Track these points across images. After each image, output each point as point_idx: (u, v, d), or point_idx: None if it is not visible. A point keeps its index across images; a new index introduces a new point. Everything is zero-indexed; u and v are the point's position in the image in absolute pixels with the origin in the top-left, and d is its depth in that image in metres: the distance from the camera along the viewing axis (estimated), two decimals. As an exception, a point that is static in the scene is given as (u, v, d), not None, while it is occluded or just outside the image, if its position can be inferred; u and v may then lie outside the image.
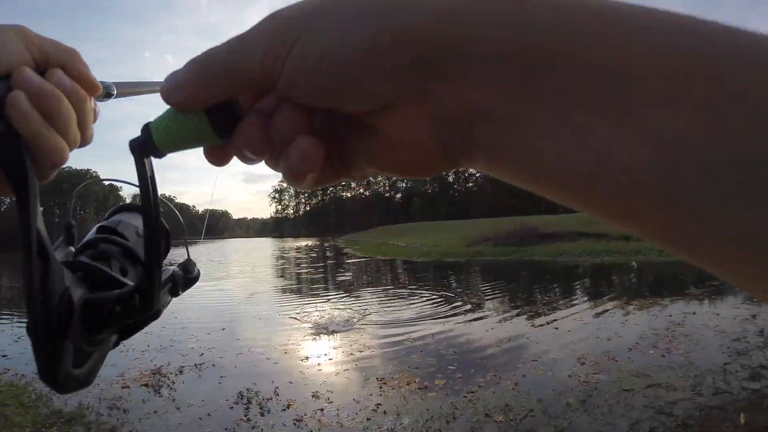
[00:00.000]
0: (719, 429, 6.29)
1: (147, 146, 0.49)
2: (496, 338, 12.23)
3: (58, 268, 0.56)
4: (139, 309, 0.58)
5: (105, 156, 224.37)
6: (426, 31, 0.38)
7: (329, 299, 20.89)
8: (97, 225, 0.80)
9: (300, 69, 0.41)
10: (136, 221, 0.81)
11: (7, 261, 49.59)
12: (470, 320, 14.55)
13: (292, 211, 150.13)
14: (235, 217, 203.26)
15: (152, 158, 0.52)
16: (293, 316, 17.07)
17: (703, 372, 8.41)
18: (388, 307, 18.00)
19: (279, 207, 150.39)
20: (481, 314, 15.33)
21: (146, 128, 0.49)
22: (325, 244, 77.94)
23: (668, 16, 0.33)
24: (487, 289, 20.92)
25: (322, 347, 12.78)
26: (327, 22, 0.40)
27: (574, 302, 15.92)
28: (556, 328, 12.66)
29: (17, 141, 0.53)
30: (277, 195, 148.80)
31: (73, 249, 0.76)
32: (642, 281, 20.21)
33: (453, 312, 16.01)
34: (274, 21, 0.42)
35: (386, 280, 29.17)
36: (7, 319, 16.92)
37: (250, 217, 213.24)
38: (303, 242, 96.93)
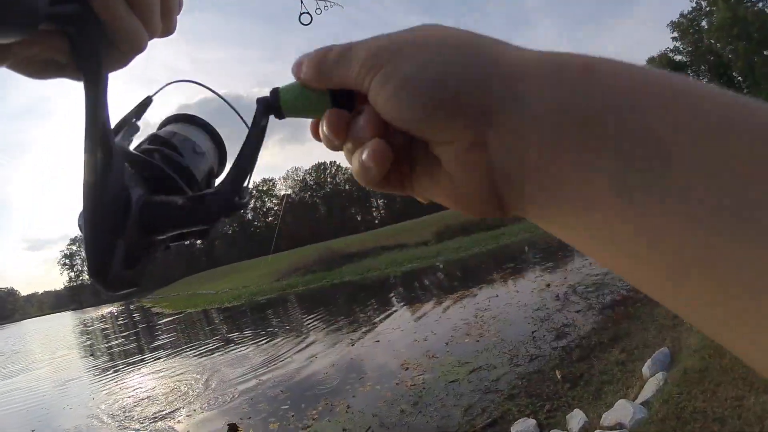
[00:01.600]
0: (542, 390, 6.61)
1: (273, 106, 0.56)
2: (321, 366, 11.97)
3: (119, 165, 0.54)
4: (199, 219, 0.58)
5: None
6: (489, 83, 0.41)
7: (147, 368, 19.26)
8: (150, 134, 0.70)
9: (381, 88, 0.46)
10: (194, 136, 0.72)
11: None
12: (294, 354, 14.09)
13: (88, 277, 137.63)
14: (23, 293, 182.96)
15: (271, 117, 0.58)
16: (109, 398, 15.34)
17: (516, 345, 8.90)
18: (208, 361, 17.00)
19: (72, 274, 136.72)
20: (303, 345, 14.94)
21: (275, 92, 0.55)
22: (131, 307, 72.70)
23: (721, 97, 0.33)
24: (304, 320, 20.64)
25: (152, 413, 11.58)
26: (412, 54, 0.45)
27: (389, 313, 16.18)
28: (377, 341, 12.74)
29: (96, 25, 0.49)
30: (67, 260, 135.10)
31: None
32: (448, 278, 21.22)
33: (276, 351, 15.47)
34: (374, 42, 0.48)
35: (202, 333, 27.73)
36: None
37: (41, 290, 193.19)
38: (106, 309, 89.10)
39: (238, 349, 16.92)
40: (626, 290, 9.95)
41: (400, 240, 37.57)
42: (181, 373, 15.64)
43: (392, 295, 21.56)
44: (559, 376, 6.77)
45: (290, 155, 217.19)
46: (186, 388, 13.06)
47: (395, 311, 16.28)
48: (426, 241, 33.96)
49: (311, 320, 19.75)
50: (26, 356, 35.82)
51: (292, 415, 9.07)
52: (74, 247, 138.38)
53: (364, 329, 14.73)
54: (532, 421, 5.65)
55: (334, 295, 26.29)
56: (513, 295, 12.81)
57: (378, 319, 15.74)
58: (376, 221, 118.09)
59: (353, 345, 13.08)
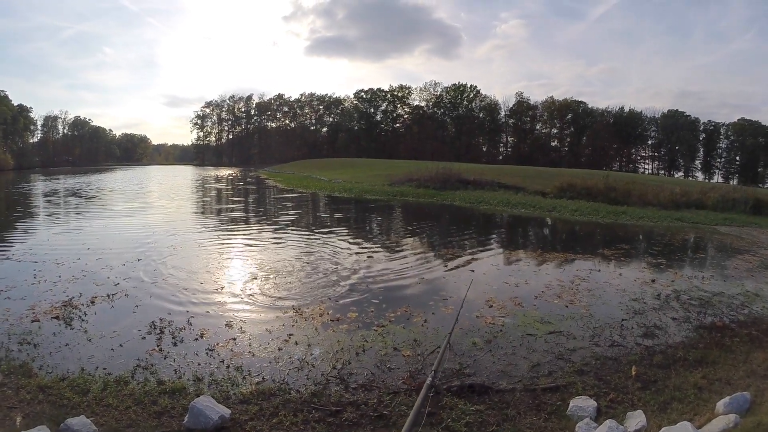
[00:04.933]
0: (612, 378, 6.64)
1: None
2: (411, 276, 12.49)
3: None
4: None
5: (15, 72, 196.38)
6: None
7: (247, 229, 20.97)
8: None
9: None
10: None
11: None
12: (387, 257, 14.75)
13: (214, 139, 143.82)
14: (154, 142, 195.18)
15: None
16: (211, 246, 16.88)
17: (602, 325, 8.85)
18: (307, 239, 18.06)
19: (201, 134, 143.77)
20: (399, 252, 15.59)
21: None
22: (248, 175, 76.73)
23: None
24: (406, 229, 21.28)
25: (241, 277, 12.69)
26: None
27: (488, 248, 16.38)
28: (472, 270, 13.02)
29: None
30: (199, 121, 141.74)
31: None
32: (554, 236, 20.93)
33: (371, 248, 16.21)
34: None
35: (308, 212, 29.18)
36: None
37: (170, 143, 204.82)
38: (225, 171, 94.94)
39: (335, 239, 17.87)
40: (731, 320, 9.54)
41: (519, 183, 36.90)
42: (280, 246, 16.79)
43: (495, 232, 21.72)
44: (633, 373, 6.74)
45: (433, 68, 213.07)
46: (280, 263, 14.02)
47: (495, 249, 16.46)
48: (545, 192, 33.20)
49: (413, 231, 20.28)
50: (147, 197, 39.43)
51: (372, 311, 9.62)
52: (207, 110, 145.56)
53: (461, 255, 15.03)
54: (593, 402, 5.74)
55: (441, 214, 26.60)
56: (614, 277, 12.55)
57: (476, 250, 16.00)
58: (500, 157, 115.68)
59: (447, 267, 13.46)
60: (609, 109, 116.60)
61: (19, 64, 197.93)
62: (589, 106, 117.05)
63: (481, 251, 15.77)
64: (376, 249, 16.07)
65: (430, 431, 5.36)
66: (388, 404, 5.93)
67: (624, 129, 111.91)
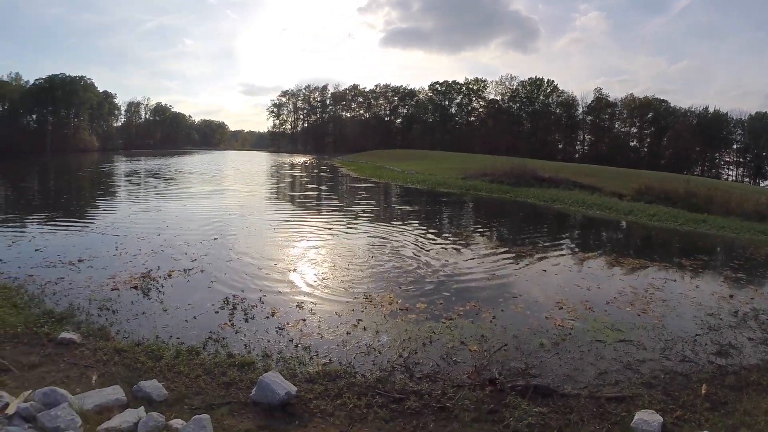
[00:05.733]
0: (680, 394, 6.50)
1: None
2: (481, 272, 12.53)
3: None
4: None
5: (99, 62, 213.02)
6: None
7: (320, 216, 21.50)
8: None
9: None
10: None
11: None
12: (458, 251, 14.84)
13: (289, 127, 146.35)
14: (231, 129, 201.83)
15: None
16: (284, 229, 17.42)
17: (674, 338, 8.62)
18: (380, 229, 18.36)
19: (277, 121, 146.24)
20: (470, 247, 15.63)
21: None
22: (322, 163, 77.90)
23: None
24: (478, 224, 21.25)
25: (313, 261, 13.05)
26: None
27: (561, 249, 16.20)
28: (544, 270, 12.97)
29: None
30: (275, 109, 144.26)
31: None
32: (629, 241, 20.42)
33: (443, 241, 16.31)
34: None
35: (381, 202, 29.56)
36: (3, 225, 16.93)
37: (246, 129, 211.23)
38: (299, 158, 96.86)
39: (408, 231, 18.05)
40: (814, 348, 9.05)
41: (595, 183, 35.96)
42: (353, 234, 17.18)
43: (568, 232, 21.39)
44: (703, 392, 6.53)
45: (509, 61, 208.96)
46: (352, 251, 14.33)
47: (567, 250, 16.25)
48: (622, 194, 32.18)
49: (484, 227, 20.22)
50: (222, 181, 40.98)
51: (441, 303, 9.76)
52: (284, 99, 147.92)
53: (532, 254, 14.93)
54: (659, 418, 5.60)
55: (514, 211, 26.36)
56: (691, 289, 12.14)
57: (548, 249, 15.86)
58: (576, 156, 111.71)
59: (518, 265, 13.42)
60: (692, 109, 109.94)
61: (104, 54, 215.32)
62: (671, 105, 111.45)
63: (553, 251, 15.61)
64: (448, 242, 16.17)
65: (491, 428, 5.43)
66: (452, 397, 6.04)
67: (707, 131, 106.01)
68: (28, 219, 18.04)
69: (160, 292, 9.91)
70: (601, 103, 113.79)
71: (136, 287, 10.14)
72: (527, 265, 13.50)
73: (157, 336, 7.70)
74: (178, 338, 7.66)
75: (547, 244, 16.93)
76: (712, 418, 5.92)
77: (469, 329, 8.43)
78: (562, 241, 18.03)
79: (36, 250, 12.89)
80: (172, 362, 6.74)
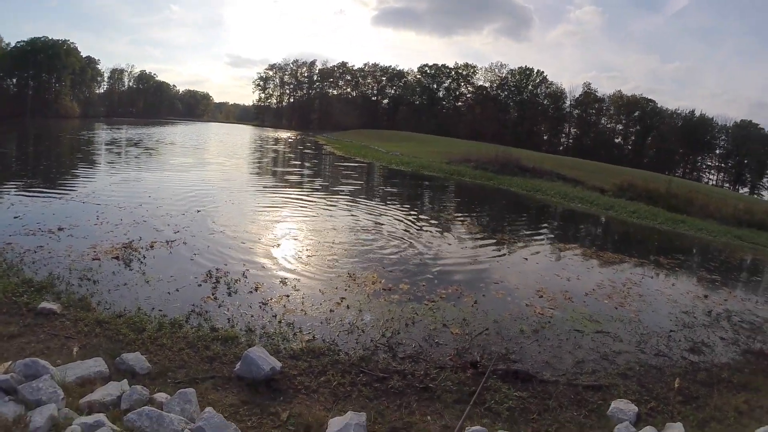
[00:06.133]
0: (654, 387, 6.68)
1: None
2: (463, 256, 12.66)
3: None
4: None
5: (83, 27, 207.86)
6: None
7: (304, 193, 21.41)
8: None
9: None
10: None
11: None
12: (441, 235, 14.95)
13: (275, 101, 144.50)
14: (216, 100, 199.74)
15: None
16: (268, 205, 17.36)
17: (649, 332, 8.82)
18: (364, 208, 18.41)
19: (262, 95, 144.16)
20: (453, 231, 15.75)
21: None
22: (307, 139, 77.37)
23: None
24: (461, 209, 21.32)
25: (296, 237, 13.05)
26: None
27: (542, 239, 16.42)
28: (525, 259, 13.15)
29: None
30: (261, 82, 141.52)
31: None
32: (609, 236, 20.68)
33: (426, 224, 16.39)
34: None
35: (366, 182, 29.53)
36: None
37: (231, 102, 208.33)
38: (284, 134, 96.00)
39: (392, 212, 18.21)
40: (781, 348, 9.25)
41: (578, 176, 36.26)
42: (337, 213, 17.32)
43: (550, 223, 21.52)
44: (676, 385, 6.72)
45: (500, 48, 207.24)
46: (336, 229, 14.42)
47: (548, 240, 16.46)
48: (604, 189, 32.47)
49: (467, 212, 20.34)
50: (205, 154, 40.80)
51: (424, 285, 9.85)
52: (270, 72, 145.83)
53: (514, 242, 15.12)
54: (634, 407, 5.79)
55: (497, 198, 26.55)
56: (667, 286, 12.34)
57: (530, 238, 16.06)
58: (560, 148, 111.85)
59: (500, 251, 13.59)
60: (679, 111, 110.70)
61: (87, 19, 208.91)
62: (659, 105, 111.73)
63: (534, 241, 15.82)
64: (431, 225, 16.26)
65: (472, 410, 5.54)
66: (435, 378, 6.15)
67: (692, 134, 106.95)
68: (5, 185, 17.68)
69: (141, 263, 9.81)
70: (589, 98, 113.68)
71: (117, 257, 10.00)
72: (508, 252, 13.66)
73: (139, 308, 7.64)
74: (160, 311, 7.62)
75: (529, 233, 17.16)
76: (684, 411, 6.14)
77: (451, 312, 8.52)
78: (542, 232, 18.26)
79: (15, 218, 12.58)
80: (154, 335, 6.72)
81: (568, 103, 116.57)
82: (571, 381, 6.50)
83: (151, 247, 10.96)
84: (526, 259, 13.07)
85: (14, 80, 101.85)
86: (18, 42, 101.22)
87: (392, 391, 5.81)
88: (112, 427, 4.25)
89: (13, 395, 4.68)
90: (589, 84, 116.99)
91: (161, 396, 5.02)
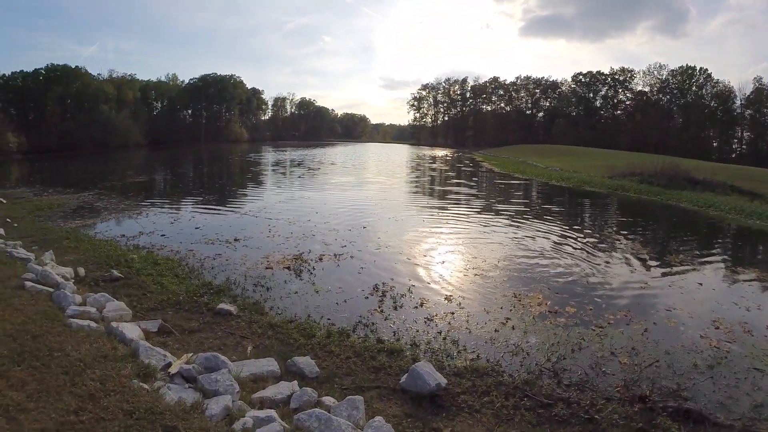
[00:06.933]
0: None
1: None
2: (632, 279, 12.17)
3: None
4: None
5: (247, 61, 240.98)
6: None
7: (466, 211, 21.81)
8: None
9: None
10: None
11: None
12: (608, 255, 14.49)
13: (430, 120, 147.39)
14: (372, 122, 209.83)
15: None
16: (431, 223, 17.80)
17: None
18: (528, 227, 18.35)
19: (417, 115, 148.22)
20: (620, 251, 15.16)
21: None
22: (463, 157, 78.19)
23: None
24: (628, 227, 20.22)
25: (460, 255, 13.26)
26: None
27: (718, 261, 15.08)
28: (700, 284, 12.18)
29: None
30: (416, 103, 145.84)
31: None
32: (794, 258, 18.73)
33: (590, 243, 15.95)
34: None
35: (527, 200, 29.21)
36: (165, 205, 18.83)
37: (387, 122, 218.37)
38: (440, 152, 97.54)
39: (556, 230, 17.99)
40: None
41: (757, 188, 32.98)
42: (502, 232, 17.17)
43: (725, 243, 19.55)
44: None
45: (657, 48, 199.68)
46: (501, 248, 14.37)
47: (725, 262, 15.10)
48: (787, 201, 29.38)
49: (634, 232, 19.15)
50: (365, 173, 43.01)
51: (591, 309, 9.65)
52: (424, 92, 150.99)
53: (686, 264, 14.21)
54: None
55: (665, 215, 24.96)
56: None
57: (703, 261, 14.89)
58: (733, 155, 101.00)
59: (671, 276, 12.80)
60: None
61: (250, 54, 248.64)
62: None
63: (709, 263, 14.59)
64: (596, 245, 15.82)
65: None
66: (601, 409, 5.97)
67: None
68: (186, 200, 19.80)
69: (311, 273, 10.60)
70: (762, 95, 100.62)
71: (288, 267, 10.93)
72: (680, 276, 12.80)
73: (308, 315, 8.27)
74: (329, 319, 8.19)
75: (702, 254, 15.88)
76: None
77: (620, 340, 8.24)
78: (717, 252, 16.74)
79: (196, 228, 14.19)
80: (323, 341, 7.21)
81: (738, 102, 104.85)
82: (747, 427, 5.94)
83: (320, 259, 11.74)
84: (701, 284, 12.11)
85: (190, 111, 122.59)
86: (191, 79, 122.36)
87: (556, 418, 5.75)
88: (281, 424, 4.68)
89: (193, 383, 5.35)
90: (761, 78, 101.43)
91: (329, 400, 5.42)
